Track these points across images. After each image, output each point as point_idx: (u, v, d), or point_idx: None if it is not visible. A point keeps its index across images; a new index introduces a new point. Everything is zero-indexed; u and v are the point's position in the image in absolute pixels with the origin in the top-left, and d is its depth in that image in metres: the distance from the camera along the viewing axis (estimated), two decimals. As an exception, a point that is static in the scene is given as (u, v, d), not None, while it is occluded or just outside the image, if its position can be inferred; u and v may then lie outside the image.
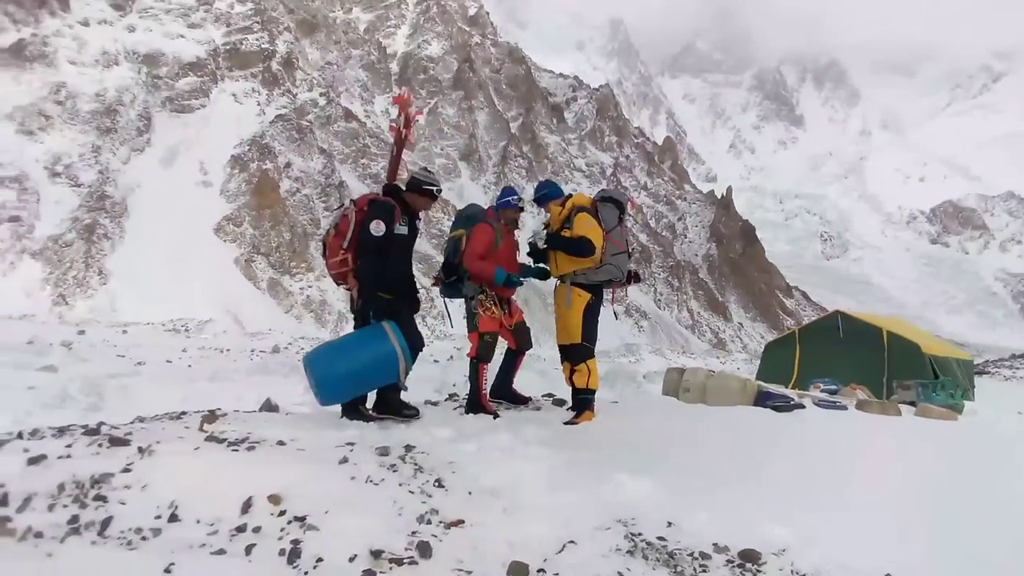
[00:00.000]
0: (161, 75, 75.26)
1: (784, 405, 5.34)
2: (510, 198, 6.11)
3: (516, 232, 6.25)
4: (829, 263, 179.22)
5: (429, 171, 5.58)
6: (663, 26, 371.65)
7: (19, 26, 66.31)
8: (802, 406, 5.42)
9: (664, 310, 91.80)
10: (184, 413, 5.16)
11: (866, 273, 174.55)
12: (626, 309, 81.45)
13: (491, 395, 5.95)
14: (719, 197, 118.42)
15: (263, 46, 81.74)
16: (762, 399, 5.56)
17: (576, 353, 5.63)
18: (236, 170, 68.92)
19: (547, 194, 6.07)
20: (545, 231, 6.00)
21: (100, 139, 64.55)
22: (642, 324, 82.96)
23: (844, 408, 5.66)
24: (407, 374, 5.18)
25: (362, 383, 5.13)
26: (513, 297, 6.40)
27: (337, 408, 5.36)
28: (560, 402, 6.58)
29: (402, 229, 5.25)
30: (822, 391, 6.91)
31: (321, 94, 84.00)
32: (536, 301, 76.44)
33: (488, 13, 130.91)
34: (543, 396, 8.50)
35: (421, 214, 5.61)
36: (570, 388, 5.80)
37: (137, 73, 72.81)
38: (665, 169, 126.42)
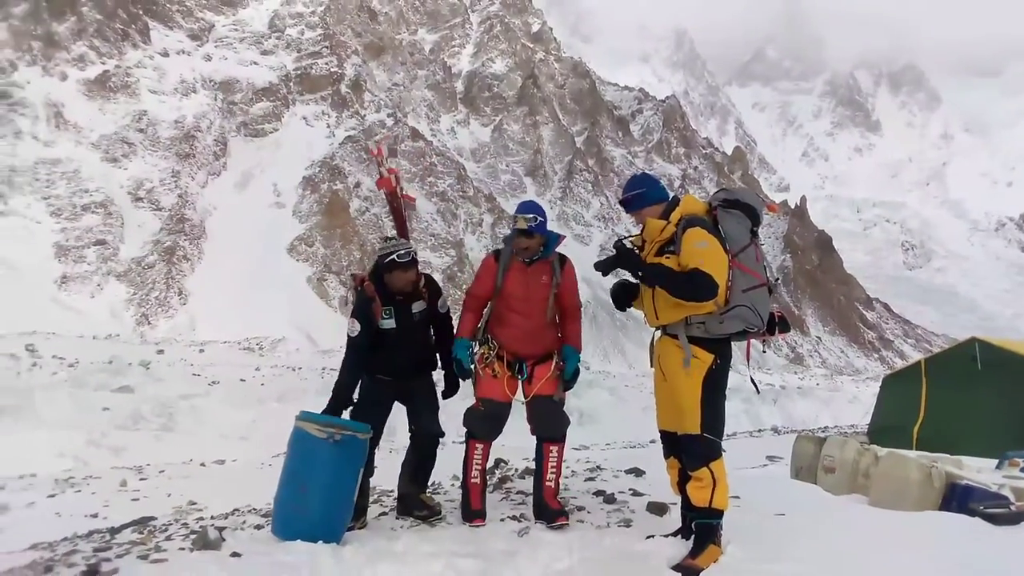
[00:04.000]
0: (236, 101, 77.51)
1: (1003, 513, 3.66)
2: (516, 215, 4.31)
3: (542, 265, 4.36)
4: (911, 273, 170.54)
5: (388, 238, 4.47)
6: (730, 35, 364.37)
7: (104, 58, 69.31)
8: None
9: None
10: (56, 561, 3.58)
11: (952, 283, 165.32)
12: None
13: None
14: (793, 207, 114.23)
15: (332, 70, 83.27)
16: (959, 498, 3.88)
17: (694, 449, 3.47)
18: (307, 191, 70.13)
19: (641, 195, 3.84)
20: (635, 249, 3.83)
21: (179, 164, 66.66)
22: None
23: None
24: (362, 466, 4.01)
25: (305, 493, 3.78)
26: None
27: (297, 548, 3.90)
28: (658, 508, 4.46)
29: (388, 322, 4.30)
30: (1023, 469, 4.99)
31: (388, 115, 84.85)
32: (603, 317, 74.78)
33: (551, 29, 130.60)
34: (627, 473, 6.07)
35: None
36: (679, 497, 3.76)
37: (213, 100, 75.16)
38: (735, 179, 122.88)
